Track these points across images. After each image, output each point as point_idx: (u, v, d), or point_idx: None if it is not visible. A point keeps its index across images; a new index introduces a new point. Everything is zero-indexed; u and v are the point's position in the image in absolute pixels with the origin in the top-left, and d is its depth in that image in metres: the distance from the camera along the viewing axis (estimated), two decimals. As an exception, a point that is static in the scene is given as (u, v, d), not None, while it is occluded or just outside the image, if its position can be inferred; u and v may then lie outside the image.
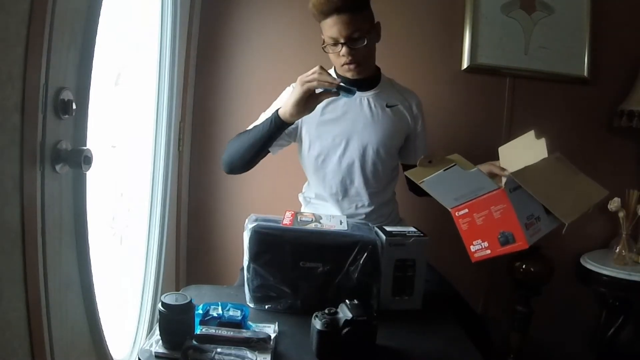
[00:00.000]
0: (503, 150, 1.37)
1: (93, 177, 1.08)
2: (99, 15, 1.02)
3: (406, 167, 1.57)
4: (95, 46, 1.02)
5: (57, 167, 0.94)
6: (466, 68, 1.94)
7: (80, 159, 0.95)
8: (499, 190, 0.99)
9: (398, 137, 1.49)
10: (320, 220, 1.14)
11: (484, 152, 1.99)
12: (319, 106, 1.40)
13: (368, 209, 1.47)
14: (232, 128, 1.94)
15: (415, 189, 1.60)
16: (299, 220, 1.13)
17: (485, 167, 1.39)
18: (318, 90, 1.21)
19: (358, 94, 1.43)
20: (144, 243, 1.65)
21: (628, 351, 1.99)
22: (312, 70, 1.19)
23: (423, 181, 1.03)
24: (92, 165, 0.98)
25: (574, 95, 1.99)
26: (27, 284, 0.87)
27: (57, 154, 0.93)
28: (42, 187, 0.90)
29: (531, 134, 1.25)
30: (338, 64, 1.40)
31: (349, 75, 1.42)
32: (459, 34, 1.94)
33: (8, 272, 0.83)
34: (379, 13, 1.42)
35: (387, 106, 1.46)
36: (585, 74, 1.96)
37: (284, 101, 1.25)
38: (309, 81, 1.18)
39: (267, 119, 1.28)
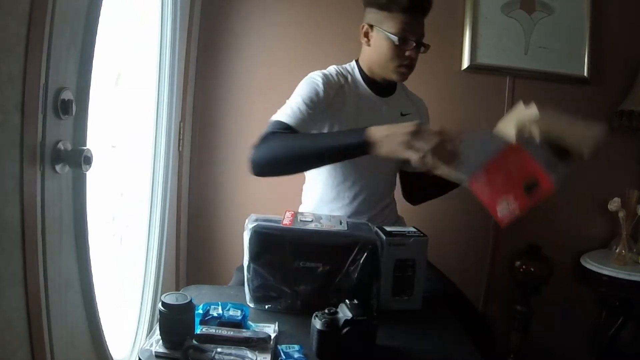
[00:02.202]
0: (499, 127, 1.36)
1: (93, 177, 1.08)
2: (99, 15, 1.02)
3: (402, 173, 1.54)
4: (95, 46, 1.02)
5: (57, 167, 0.94)
6: (466, 68, 1.94)
7: (80, 159, 0.95)
8: (511, 144, 0.97)
9: None
10: (320, 220, 1.14)
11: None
12: (334, 114, 1.31)
13: (367, 216, 1.43)
14: (232, 128, 1.94)
15: (411, 197, 1.58)
16: (299, 220, 1.13)
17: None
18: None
19: (378, 99, 1.37)
20: (144, 243, 1.65)
21: (628, 351, 1.99)
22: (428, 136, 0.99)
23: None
24: (92, 165, 0.98)
25: (574, 95, 1.99)
26: (27, 284, 0.87)
27: (57, 154, 0.93)
28: (42, 187, 0.90)
29: (520, 105, 1.25)
30: (392, 64, 1.31)
31: (394, 78, 1.34)
32: (459, 34, 1.94)
33: (8, 272, 0.83)
34: (379, 13, 1.41)
35: (402, 114, 1.41)
36: (585, 74, 1.96)
37: (385, 131, 1.05)
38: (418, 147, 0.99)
39: (350, 132, 1.14)
